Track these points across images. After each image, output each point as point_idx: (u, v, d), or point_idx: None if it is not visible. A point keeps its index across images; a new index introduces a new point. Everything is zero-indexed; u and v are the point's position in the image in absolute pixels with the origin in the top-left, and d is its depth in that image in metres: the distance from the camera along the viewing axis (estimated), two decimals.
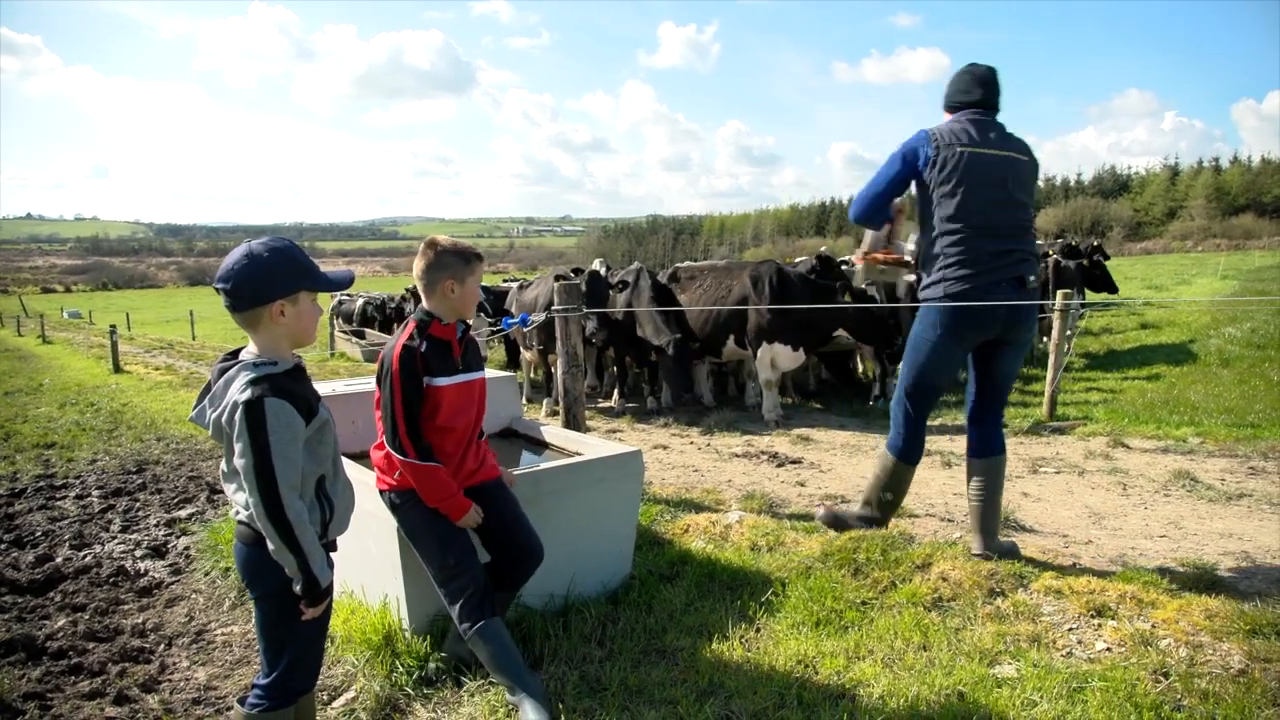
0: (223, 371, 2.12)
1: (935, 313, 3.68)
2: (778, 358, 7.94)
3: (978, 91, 3.80)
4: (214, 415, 2.08)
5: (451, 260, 2.84)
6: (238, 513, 2.18)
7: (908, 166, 3.73)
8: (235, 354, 2.20)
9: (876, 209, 3.87)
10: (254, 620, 2.36)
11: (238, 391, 2.03)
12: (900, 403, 3.93)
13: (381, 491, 2.95)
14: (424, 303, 2.90)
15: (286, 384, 2.11)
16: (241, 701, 2.32)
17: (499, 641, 2.84)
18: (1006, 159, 3.64)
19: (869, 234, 4.09)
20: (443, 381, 2.80)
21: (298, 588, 2.14)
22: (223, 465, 2.20)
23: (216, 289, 2.16)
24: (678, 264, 10.00)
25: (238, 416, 2.01)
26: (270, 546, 2.09)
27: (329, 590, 2.20)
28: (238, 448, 2.03)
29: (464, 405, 2.88)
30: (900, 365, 3.97)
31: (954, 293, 3.59)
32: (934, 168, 3.63)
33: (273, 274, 2.12)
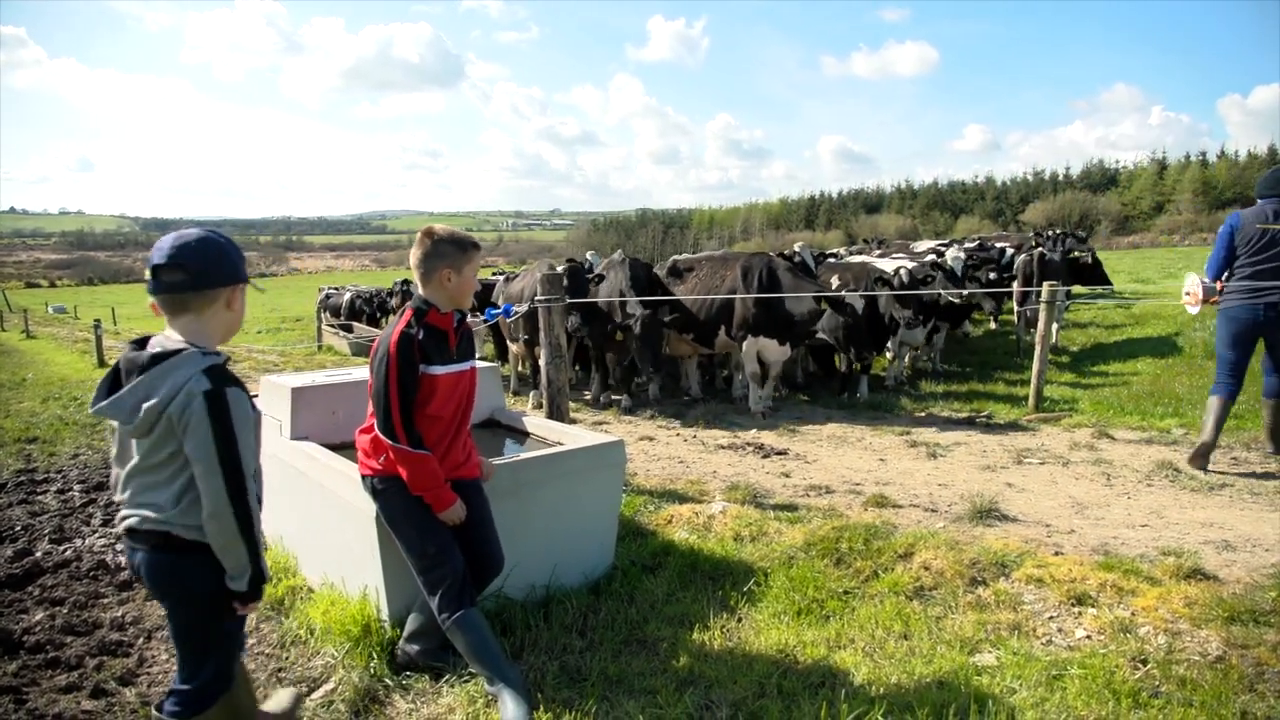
0: (154, 360, 2.00)
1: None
2: (765, 350, 7.93)
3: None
4: (152, 405, 1.95)
5: (449, 249, 2.84)
6: (140, 521, 2.05)
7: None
8: (143, 342, 2.09)
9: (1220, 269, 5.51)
10: (171, 629, 2.24)
11: (195, 382, 1.97)
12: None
13: (364, 476, 2.93)
14: (420, 291, 2.89)
15: (234, 374, 2.10)
16: (159, 708, 2.22)
17: (478, 632, 2.82)
18: None
19: (1201, 284, 5.58)
20: (438, 370, 2.81)
21: (241, 583, 2.07)
22: (129, 465, 2.08)
23: (158, 267, 2.03)
24: (674, 257, 9.91)
25: (196, 406, 1.95)
26: (218, 542, 2.02)
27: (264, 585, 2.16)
28: (193, 439, 1.96)
29: (455, 394, 2.89)
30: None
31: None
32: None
33: (231, 259, 2.12)
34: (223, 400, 1.97)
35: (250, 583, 2.08)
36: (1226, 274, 5.49)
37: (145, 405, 1.96)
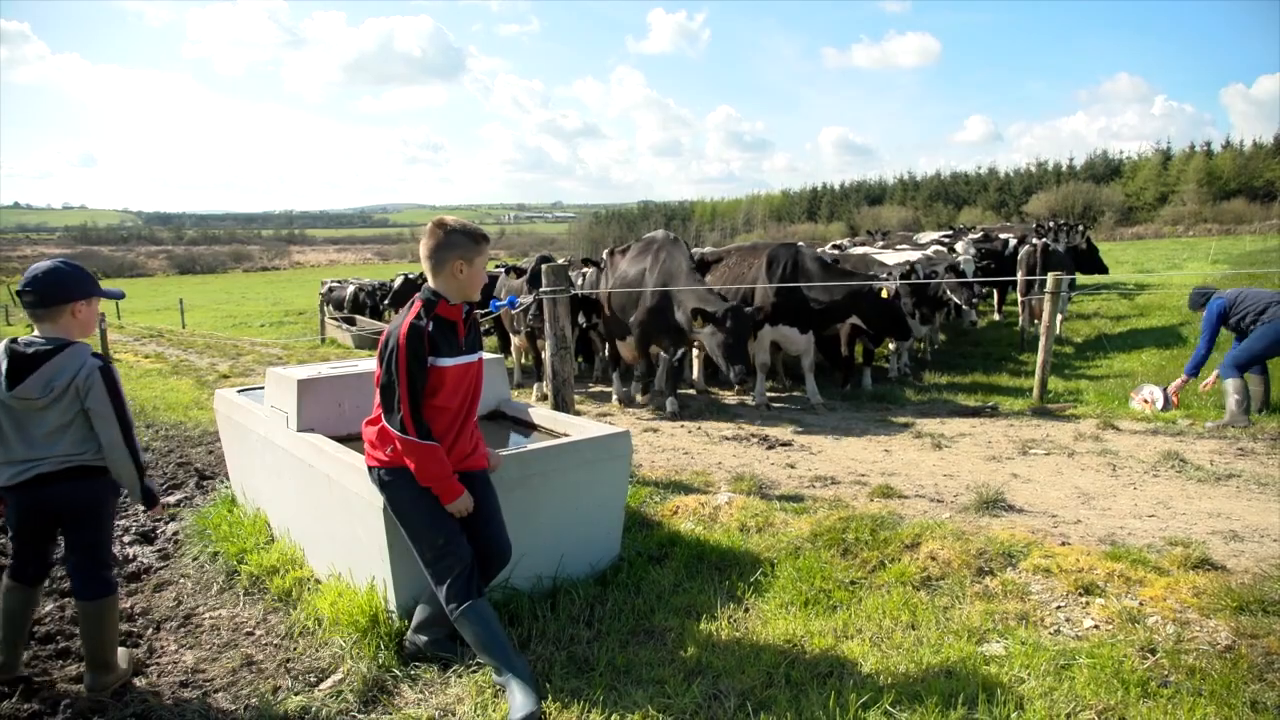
0: (49, 353, 2.79)
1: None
2: (787, 340, 7.87)
3: None
4: (62, 381, 2.77)
5: (461, 240, 2.84)
6: (57, 463, 2.84)
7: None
8: (16, 342, 2.83)
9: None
10: (78, 542, 2.97)
11: (90, 362, 2.83)
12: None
13: (371, 468, 2.94)
14: (430, 282, 2.89)
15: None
16: (81, 594, 2.95)
17: (486, 623, 2.83)
18: None
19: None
20: (446, 362, 2.80)
21: (136, 495, 3.00)
22: (46, 425, 2.83)
23: (18, 291, 2.87)
24: (698, 250, 9.62)
25: (95, 378, 2.82)
26: (118, 470, 2.90)
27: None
28: (94, 400, 2.81)
29: (463, 385, 2.89)
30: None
31: None
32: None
33: (68, 284, 2.86)
34: (111, 373, 2.88)
35: (142, 495, 3.00)
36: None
37: (55, 383, 2.77)
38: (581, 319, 8.27)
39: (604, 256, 8.73)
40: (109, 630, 3.00)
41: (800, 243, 8.79)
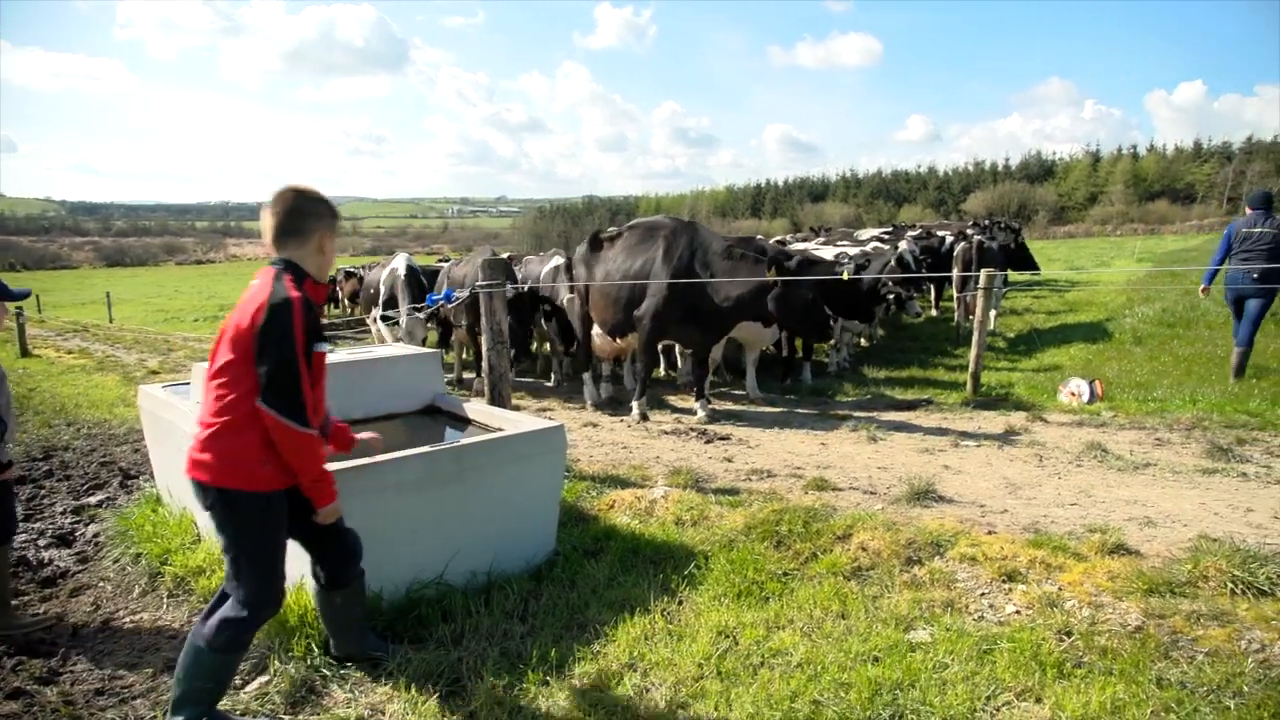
0: None
1: None
2: (749, 332, 7.54)
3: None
4: None
5: (325, 210, 2.60)
6: None
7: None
8: None
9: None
10: None
11: None
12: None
13: (224, 489, 2.46)
14: (283, 254, 2.55)
15: None
16: None
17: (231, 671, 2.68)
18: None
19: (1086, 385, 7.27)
20: (324, 347, 2.56)
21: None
22: None
23: None
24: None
25: None
26: None
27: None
28: None
29: (322, 380, 2.63)
30: None
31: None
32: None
33: None
34: None
35: None
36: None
37: None
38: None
39: (584, 248, 7.83)
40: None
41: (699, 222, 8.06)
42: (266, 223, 2.57)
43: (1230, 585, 3.11)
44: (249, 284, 2.57)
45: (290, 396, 2.40)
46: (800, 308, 6.45)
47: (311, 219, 2.56)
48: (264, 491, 2.48)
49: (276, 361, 2.38)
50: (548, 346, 9.75)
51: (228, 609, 2.54)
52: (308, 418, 2.44)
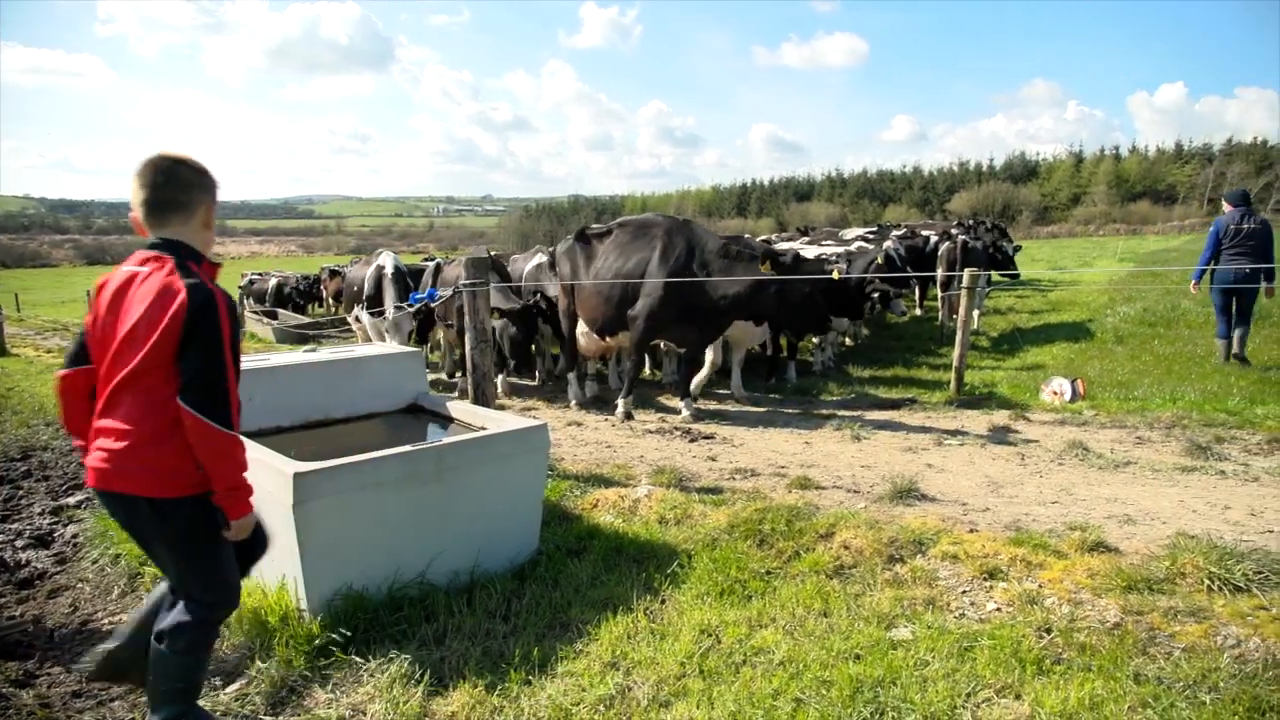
0: None
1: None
2: (739, 330, 7.43)
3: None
4: None
5: (209, 180, 2.38)
6: None
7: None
8: None
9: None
10: None
11: None
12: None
13: (156, 500, 2.31)
14: (165, 232, 2.34)
15: None
16: None
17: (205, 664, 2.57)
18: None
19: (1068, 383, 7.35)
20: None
21: None
22: None
23: None
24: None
25: None
26: None
27: None
28: None
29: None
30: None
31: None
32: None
33: None
34: None
35: None
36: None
37: None
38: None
39: (569, 244, 7.77)
40: None
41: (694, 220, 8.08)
42: (139, 196, 2.33)
43: (1207, 582, 3.14)
44: (118, 270, 2.36)
45: (217, 396, 2.26)
46: (801, 303, 6.47)
47: (196, 190, 2.35)
48: (201, 495, 2.35)
49: (205, 359, 2.24)
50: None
51: (181, 614, 2.41)
52: (233, 419, 2.30)
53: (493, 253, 10.53)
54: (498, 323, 7.61)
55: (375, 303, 9.33)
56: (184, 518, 2.35)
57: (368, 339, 9.54)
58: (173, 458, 2.29)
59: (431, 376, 9.19)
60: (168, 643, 2.40)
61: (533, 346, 9.02)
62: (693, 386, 7.46)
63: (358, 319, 9.88)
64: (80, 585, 4.01)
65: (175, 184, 2.33)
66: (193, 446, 2.27)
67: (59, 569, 4.23)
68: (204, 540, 2.40)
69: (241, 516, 2.40)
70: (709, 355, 7.60)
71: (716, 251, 6.67)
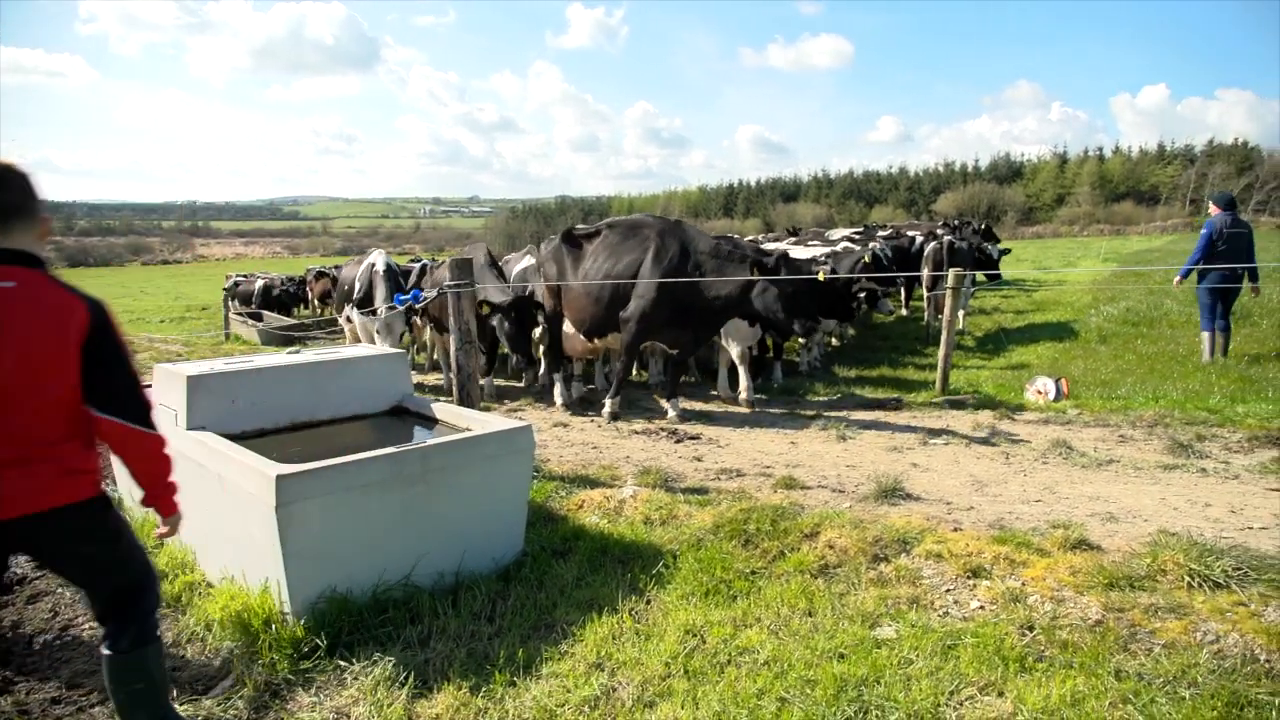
0: None
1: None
2: (734, 332, 7.44)
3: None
4: None
5: (38, 188, 2.27)
6: None
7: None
8: None
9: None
10: None
11: None
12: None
13: (101, 496, 2.32)
14: (10, 243, 2.19)
15: None
16: None
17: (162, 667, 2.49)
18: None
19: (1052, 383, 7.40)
20: None
21: None
22: None
23: None
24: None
25: None
26: None
27: None
28: None
29: None
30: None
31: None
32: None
33: None
34: None
35: None
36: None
37: None
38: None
39: (555, 244, 7.73)
40: None
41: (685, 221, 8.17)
42: None
43: (1187, 579, 3.17)
44: None
45: (139, 401, 2.29)
46: (797, 301, 6.47)
47: (35, 198, 2.23)
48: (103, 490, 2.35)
49: (119, 369, 2.25)
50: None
51: (131, 612, 2.37)
52: (152, 419, 2.32)
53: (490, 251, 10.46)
54: (495, 319, 7.60)
55: (367, 302, 9.29)
56: (110, 511, 2.36)
57: (357, 340, 9.49)
58: (82, 458, 2.26)
59: (417, 379, 9.17)
60: (132, 644, 2.35)
61: (532, 339, 9.00)
62: (742, 391, 7.50)
63: (349, 319, 9.82)
64: (60, 591, 3.96)
65: (22, 192, 2.22)
66: (119, 454, 2.32)
67: (39, 574, 4.18)
68: (125, 526, 2.44)
69: (174, 513, 2.45)
70: (734, 353, 7.53)
71: (709, 252, 6.65)
